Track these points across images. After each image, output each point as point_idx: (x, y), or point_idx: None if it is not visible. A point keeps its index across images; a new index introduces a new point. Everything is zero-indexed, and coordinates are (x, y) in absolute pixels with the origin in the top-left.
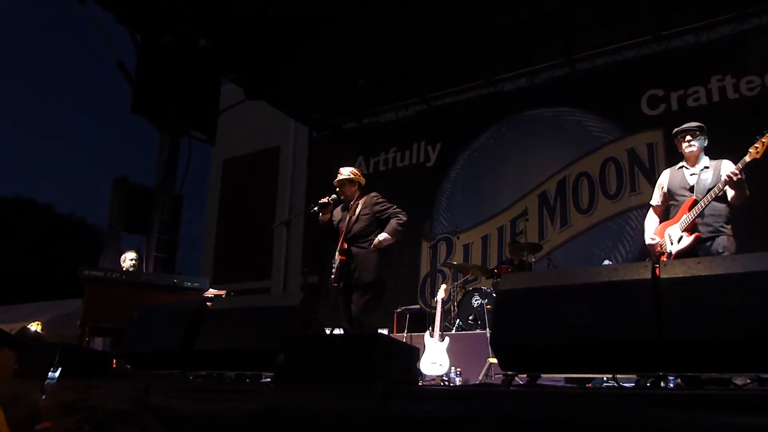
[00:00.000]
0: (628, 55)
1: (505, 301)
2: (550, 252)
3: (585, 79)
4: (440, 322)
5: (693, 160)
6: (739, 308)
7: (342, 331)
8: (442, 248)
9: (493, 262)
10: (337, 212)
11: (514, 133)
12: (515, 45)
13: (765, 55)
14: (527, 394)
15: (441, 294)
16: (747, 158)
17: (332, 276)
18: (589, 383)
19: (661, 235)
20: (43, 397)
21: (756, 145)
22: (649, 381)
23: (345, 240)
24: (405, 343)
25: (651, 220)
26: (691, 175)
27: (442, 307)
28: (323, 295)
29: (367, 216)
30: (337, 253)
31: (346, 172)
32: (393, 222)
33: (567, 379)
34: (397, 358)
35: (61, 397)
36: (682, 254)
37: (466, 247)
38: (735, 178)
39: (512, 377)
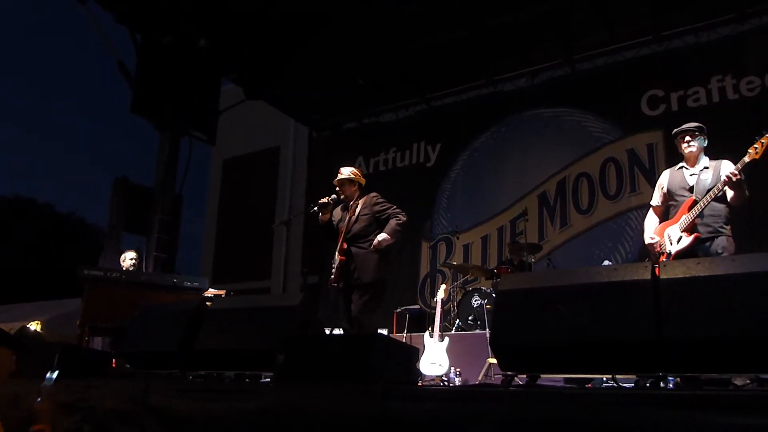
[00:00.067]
0: (628, 55)
1: (505, 302)
2: (549, 252)
3: (585, 79)
4: (440, 323)
5: (693, 161)
6: (739, 309)
7: (342, 331)
8: (442, 248)
9: (492, 263)
10: (337, 212)
11: (513, 133)
12: (515, 45)
13: (765, 56)
14: (527, 394)
15: (441, 294)
16: (746, 159)
17: (332, 276)
18: (588, 383)
19: (661, 235)
20: (38, 399)
21: (755, 145)
22: (649, 381)
23: (345, 240)
24: (405, 344)
25: (651, 220)
26: (691, 175)
27: (442, 307)
28: (323, 295)
29: (366, 216)
30: (336, 253)
31: (346, 171)
32: (392, 222)
33: (566, 380)
34: (397, 358)
35: (60, 397)
36: (682, 254)
37: (466, 248)
38: (734, 179)
39: (512, 377)
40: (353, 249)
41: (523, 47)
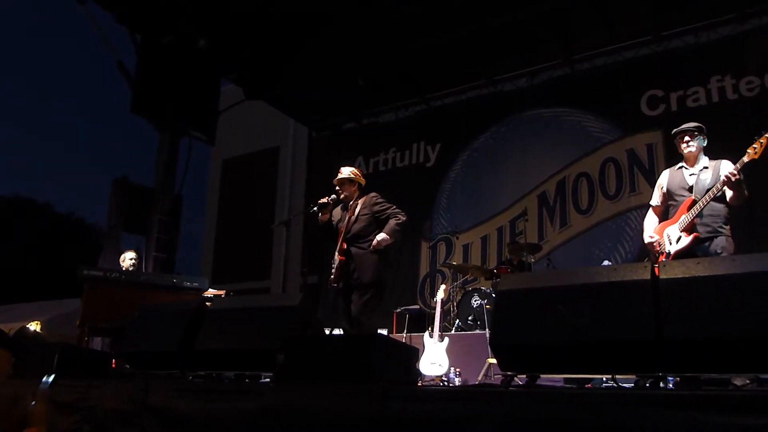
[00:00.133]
0: (627, 55)
1: (505, 302)
2: (549, 252)
3: (585, 79)
4: (440, 323)
5: (692, 161)
6: (738, 309)
7: (342, 331)
8: (442, 248)
9: (492, 263)
10: (337, 212)
11: (513, 133)
12: (515, 45)
13: (765, 56)
14: (526, 394)
15: (440, 294)
16: (745, 159)
17: (332, 276)
18: (588, 383)
19: (660, 235)
20: (33, 403)
21: (754, 145)
22: (649, 381)
23: (344, 240)
24: (404, 344)
25: (650, 220)
26: (691, 175)
27: (442, 307)
28: (323, 295)
29: (366, 216)
30: (336, 254)
31: (346, 171)
32: (392, 222)
33: (566, 380)
34: (397, 359)
35: (59, 398)
36: (681, 254)
37: (466, 248)
38: (733, 179)
39: (511, 377)
40: (353, 249)
41: (523, 47)
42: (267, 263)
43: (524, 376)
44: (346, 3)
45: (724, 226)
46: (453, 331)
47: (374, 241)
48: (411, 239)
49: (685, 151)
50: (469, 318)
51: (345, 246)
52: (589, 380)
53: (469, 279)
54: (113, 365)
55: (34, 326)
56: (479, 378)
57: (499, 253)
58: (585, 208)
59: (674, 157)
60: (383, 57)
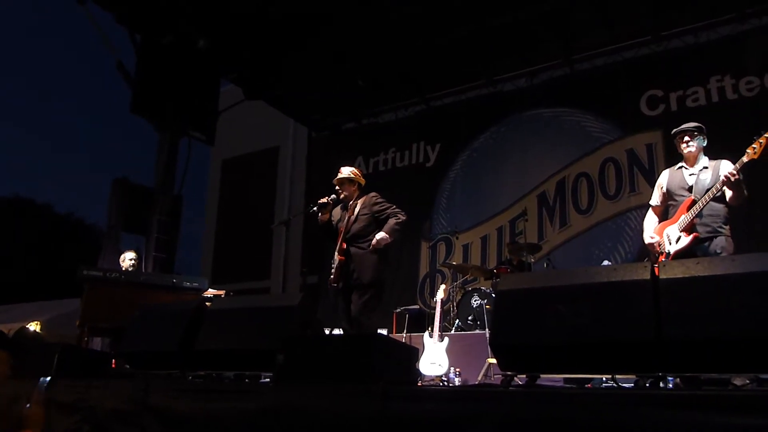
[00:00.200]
0: (627, 55)
1: (505, 302)
2: (549, 252)
3: (584, 79)
4: (439, 323)
5: (692, 161)
6: (738, 309)
7: (341, 331)
8: (442, 248)
9: (492, 263)
10: (337, 212)
11: (513, 133)
12: (515, 45)
13: (764, 56)
14: (526, 394)
15: (440, 294)
16: (744, 159)
17: (331, 276)
18: (588, 383)
19: (660, 235)
20: (28, 405)
21: (753, 145)
22: (648, 381)
23: (344, 240)
24: (404, 344)
25: (650, 220)
26: (690, 175)
27: (442, 307)
28: (322, 295)
29: (366, 216)
30: (336, 253)
31: (346, 171)
32: (391, 221)
33: (566, 380)
34: (397, 359)
35: (59, 398)
36: (681, 254)
37: (466, 248)
38: (733, 179)
39: (511, 377)
40: (352, 249)
41: (523, 47)
42: (267, 263)
43: (524, 376)
44: (346, 3)
45: (724, 226)
46: (453, 331)
47: (374, 241)
48: (411, 239)
49: (685, 151)
50: (469, 318)
51: (345, 246)
52: (589, 380)
53: (468, 279)
54: (113, 365)
55: (33, 326)
56: (479, 378)
57: (499, 253)
58: (585, 208)
59: (674, 157)
60: (383, 57)
